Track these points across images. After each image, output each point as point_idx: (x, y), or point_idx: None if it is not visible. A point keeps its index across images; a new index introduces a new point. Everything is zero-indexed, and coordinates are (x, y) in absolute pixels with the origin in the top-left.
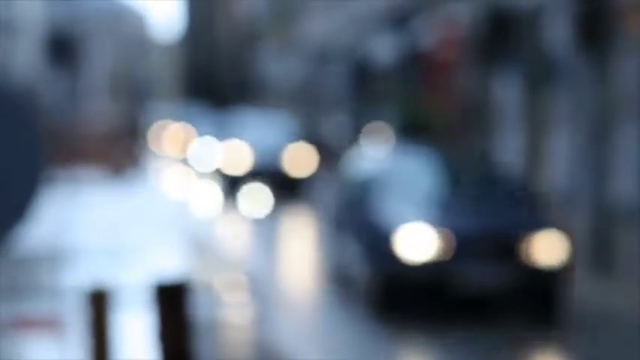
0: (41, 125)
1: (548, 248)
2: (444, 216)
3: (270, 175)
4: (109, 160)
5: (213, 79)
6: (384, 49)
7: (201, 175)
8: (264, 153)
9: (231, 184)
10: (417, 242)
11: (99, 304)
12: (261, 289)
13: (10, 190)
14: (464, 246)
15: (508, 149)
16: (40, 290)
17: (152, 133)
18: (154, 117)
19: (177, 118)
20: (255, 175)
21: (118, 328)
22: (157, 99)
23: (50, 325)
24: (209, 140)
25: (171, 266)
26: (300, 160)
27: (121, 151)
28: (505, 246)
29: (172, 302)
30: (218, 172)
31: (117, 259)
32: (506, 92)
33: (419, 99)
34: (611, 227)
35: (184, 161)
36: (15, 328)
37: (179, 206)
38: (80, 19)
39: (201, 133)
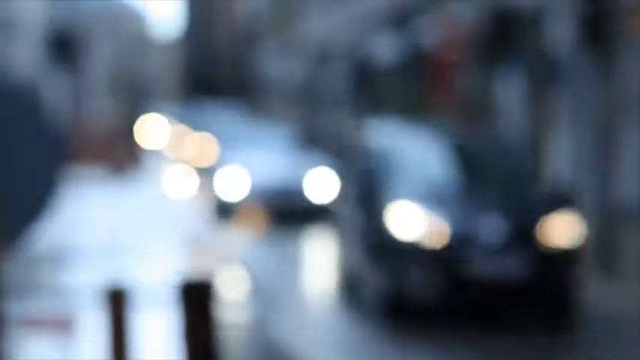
0: (59, 125)
1: (563, 231)
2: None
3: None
4: (110, 159)
5: (214, 79)
6: (385, 48)
7: (228, 204)
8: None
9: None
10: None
11: (117, 302)
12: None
13: (27, 189)
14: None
15: None
16: (47, 289)
17: (154, 133)
18: (156, 117)
19: (186, 122)
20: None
21: (132, 327)
22: (157, 99)
23: (60, 324)
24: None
25: (172, 266)
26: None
27: (121, 150)
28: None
29: (199, 301)
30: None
31: (119, 259)
32: (509, 92)
33: (421, 99)
34: (615, 228)
35: (202, 172)
36: (25, 327)
37: (180, 206)
38: (80, 18)
39: (229, 147)
